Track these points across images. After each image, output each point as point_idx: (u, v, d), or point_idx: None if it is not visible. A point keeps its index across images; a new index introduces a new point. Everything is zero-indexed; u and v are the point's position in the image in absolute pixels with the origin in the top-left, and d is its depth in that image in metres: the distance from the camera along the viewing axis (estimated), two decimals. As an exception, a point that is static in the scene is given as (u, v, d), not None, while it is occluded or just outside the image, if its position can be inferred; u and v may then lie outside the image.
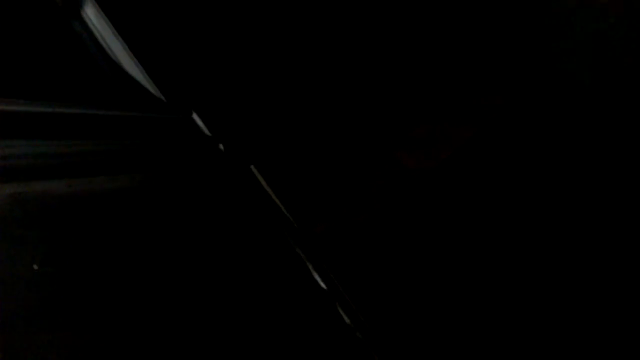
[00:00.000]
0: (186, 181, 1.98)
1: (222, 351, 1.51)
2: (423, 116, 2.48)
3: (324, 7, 2.43)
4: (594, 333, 2.10)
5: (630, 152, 2.47)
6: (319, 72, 2.39)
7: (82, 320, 1.17)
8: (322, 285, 2.07)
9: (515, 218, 2.38)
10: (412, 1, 2.48)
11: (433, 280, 2.28)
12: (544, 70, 2.48)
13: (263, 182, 2.22)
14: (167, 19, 2.32)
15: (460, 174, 2.42)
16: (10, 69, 1.74)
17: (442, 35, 2.48)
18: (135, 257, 1.47)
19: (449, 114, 2.49)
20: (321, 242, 2.23)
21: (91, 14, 2.10)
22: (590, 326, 2.12)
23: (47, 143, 1.42)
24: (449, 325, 2.20)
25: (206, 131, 2.17)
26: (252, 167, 2.26)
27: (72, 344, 1.11)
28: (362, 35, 2.44)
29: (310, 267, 2.10)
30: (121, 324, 1.25)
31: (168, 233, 1.67)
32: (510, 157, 2.42)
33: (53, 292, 1.16)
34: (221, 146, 2.19)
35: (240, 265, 1.90)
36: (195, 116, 2.16)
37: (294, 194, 2.26)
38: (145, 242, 1.54)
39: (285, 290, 2.03)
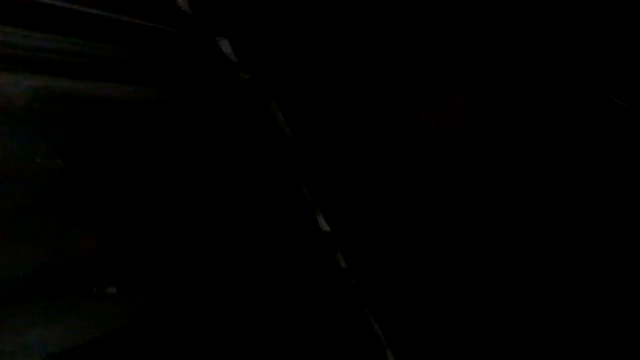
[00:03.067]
0: (204, 104, 1.95)
1: (221, 274, 1.54)
2: (452, 83, 2.43)
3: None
4: (595, 332, 2.13)
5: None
6: (359, 25, 2.31)
7: (91, 215, 1.17)
8: (326, 228, 2.08)
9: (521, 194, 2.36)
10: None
11: (432, 240, 2.29)
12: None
13: (281, 118, 2.19)
14: None
15: (479, 138, 2.40)
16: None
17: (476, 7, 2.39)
18: (144, 168, 1.46)
19: (478, 82, 2.44)
20: (332, 186, 2.23)
21: None
22: (592, 324, 2.15)
23: (72, 41, 1.38)
24: (444, 288, 2.22)
25: (231, 56, 2.12)
26: (272, 102, 2.22)
27: (79, 239, 1.12)
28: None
29: (316, 208, 2.11)
30: (125, 227, 1.26)
31: (176, 150, 1.66)
32: (532, 128, 2.38)
33: (65, 189, 1.15)
34: (243, 75, 2.14)
35: (244, 199, 1.90)
36: (223, 40, 2.11)
37: (313, 136, 2.23)
38: (153, 156, 1.53)
39: (286, 229, 2.04)
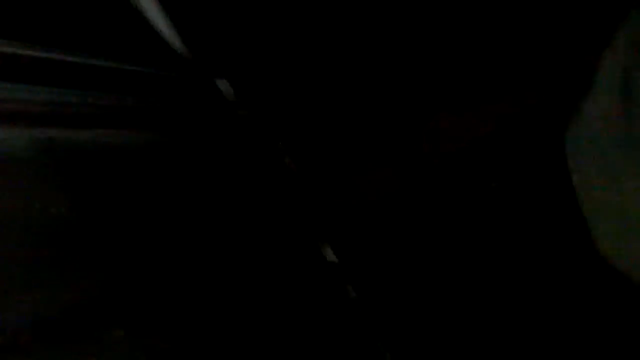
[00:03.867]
0: (203, 144, 2.00)
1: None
2: (449, 107, 2.46)
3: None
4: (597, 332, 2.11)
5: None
6: (356, 52, 2.36)
7: (93, 264, 1.19)
8: (332, 259, 2.09)
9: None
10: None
11: (432, 266, 2.29)
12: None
13: (285, 154, 2.23)
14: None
15: (472, 163, 2.41)
16: (40, 17, 1.74)
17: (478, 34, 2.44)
18: (145, 212, 1.49)
19: (476, 108, 2.46)
20: (338, 216, 2.25)
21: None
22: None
23: (72, 92, 1.43)
24: (453, 315, 2.21)
25: (231, 96, 2.17)
26: (275, 138, 2.26)
27: (82, 283, 1.14)
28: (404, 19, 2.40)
29: (324, 241, 2.12)
30: (129, 269, 1.28)
31: (175, 191, 1.69)
32: (527, 157, 2.39)
33: (67, 235, 1.18)
34: (244, 113, 2.19)
35: (247, 234, 1.92)
36: (221, 81, 2.16)
37: (314, 166, 2.26)
38: (156, 198, 1.56)
39: (292, 263, 2.05)
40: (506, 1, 2.39)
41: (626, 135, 1.61)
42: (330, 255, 2.10)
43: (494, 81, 2.48)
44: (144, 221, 1.42)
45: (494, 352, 2.13)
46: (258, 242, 1.89)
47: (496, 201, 2.31)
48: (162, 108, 1.91)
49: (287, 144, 2.23)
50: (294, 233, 2.11)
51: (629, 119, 1.58)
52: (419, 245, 2.30)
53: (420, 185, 2.40)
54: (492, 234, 2.28)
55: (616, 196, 1.68)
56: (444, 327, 2.17)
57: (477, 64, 2.43)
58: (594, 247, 1.82)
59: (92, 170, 1.33)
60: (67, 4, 1.73)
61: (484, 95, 2.45)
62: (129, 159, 1.56)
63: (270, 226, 2.00)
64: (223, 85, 2.20)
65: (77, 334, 1.09)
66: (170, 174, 1.72)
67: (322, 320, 1.95)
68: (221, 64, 2.17)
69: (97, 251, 1.21)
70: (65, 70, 1.54)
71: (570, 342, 2.11)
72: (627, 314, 2.05)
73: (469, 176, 2.42)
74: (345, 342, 1.98)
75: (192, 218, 1.66)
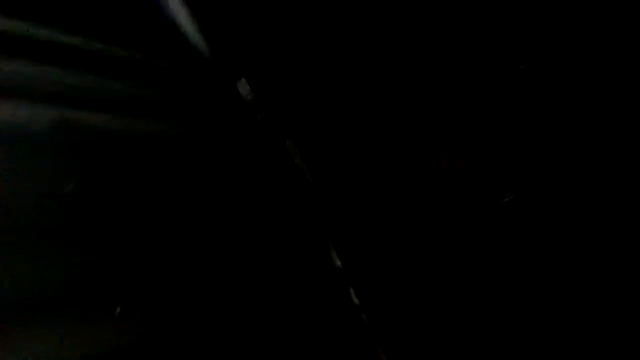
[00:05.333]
0: (218, 140, 2.01)
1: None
2: (467, 120, 2.45)
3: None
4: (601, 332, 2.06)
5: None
6: (377, 60, 2.37)
7: (95, 243, 1.21)
8: (338, 263, 2.08)
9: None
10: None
11: (440, 278, 2.27)
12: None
13: (297, 156, 2.24)
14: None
15: (490, 177, 2.39)
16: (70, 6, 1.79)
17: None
18: (155, 198, 1.50)
19: (492, 122, 2.45)
20: (345, 221, 2.24)
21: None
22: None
23: (94, 78, 1.46)
24: (454, 322, 2.18)
25: (249, 98, 2.20)
26: (287, 139, 2.28)
27: (84, 260, 1.16)
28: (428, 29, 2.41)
29: (330, 244, 2.11)
30: (130, 251, 1.29)
31: (188, 184, 1.70)
32: (540, 173, 2.37)
33: (78, 212, 1.20)
34: (260, 112, 2.21)
35: (257, 231, 1.92)
36: (240, 81, 2.19)
37: (327, 171, 2.26)
38: (165, 186, 1.58)
39: (300, 265, 2.05)
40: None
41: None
42: (335, 259, 2.09)
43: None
44: (148, 207, 1.43)
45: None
46: (264, 237, 1.89)
47: (508, 214, 2.29)
48: (180, 102, 1.93)
49: (300, 146, 2.24)
50: (302, 233, 2.11)
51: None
52: (427, 253, 2.28)
53: (432, 196, 2.39)
54: (498, 244, 2.26)
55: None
56: (444, 334, 2.14)
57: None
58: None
59: (103, 153, 1.35)
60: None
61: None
62: (140, 147, 1.58)
63: (277, 223, 2.01)
64: (242, 86, 2.23)
65: (78, 308, 1.10)
66: (182, 165, 1.74)
67: (323, 321, 1.93)
68: (241, 66, 2.20)
69: (100, 231, 1.23)
70: (88, 56, 1.57)
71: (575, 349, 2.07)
72: None
73: (481, 189, 2.41)
74: (344, 343, 1.96)
75: (198, 211, 1.67)
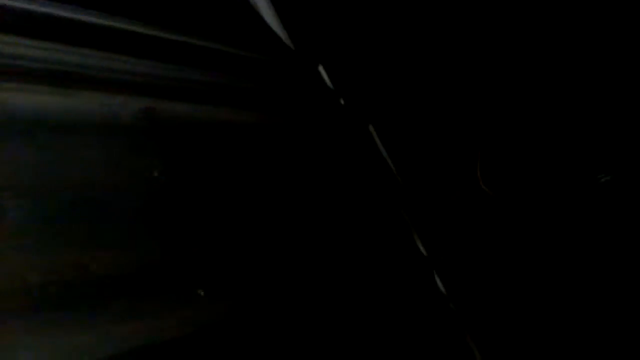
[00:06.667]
0: (303, 128, 2.04)
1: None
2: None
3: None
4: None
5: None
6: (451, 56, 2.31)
7: (181, 227, 1.27)
8: (423, 251, 2.04)
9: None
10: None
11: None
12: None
13: (378, 142, 2.22)
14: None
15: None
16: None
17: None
18: (240, 185, 1.55)
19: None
20: (430, 210, 2.20)
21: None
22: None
23: (180, 68, 1.54)
24: (542, 310, 2.08)
25: (329, 84, 2.21)
26: (370, 126, 2.26)
27: (171, 244, 1.22)
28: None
29: (413, 231, 2.08)
30: (214, 236, 1.34)
31: (276, 172, 1.73)
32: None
33: (166, 198, 1.27)
34: (342, 100, 2.21)
35: (344, 220, 1.92)
36: (320, 68, 2.20)
37: (407, 158, 2.23)
38: (250, 174, 1.62)
39: (386, 253, 2.03)
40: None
41: None
42: (420, 247, 2.05)
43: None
44: (233, 194, 1.48)
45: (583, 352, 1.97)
46: (348, 222, 1.89)
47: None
48: (264, 91, 1.98)
49: (380, 133, 2.22)
50: (385, 220, 2.09)
51: None
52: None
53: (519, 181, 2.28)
54: (597, 228, 2.11)
55: None
56: (536, 325, 2.04)
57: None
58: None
59: (189, 141, 1.42)
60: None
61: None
62: (226, 135, 1.63)
63: (361, 208, 2.00)
64: (324, 74, 2.25)
65: (164, 290, 1.17)
66: (267, 153, 1.77)
67: (410, 309, 1.91)
68: (322, 55, 2.22)
69: (187, 216, 1.29)
70: (176, 48, 1.64)
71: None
72: None
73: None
74: (432, 331, 1.93)
75: (284, 196, 1.70)
